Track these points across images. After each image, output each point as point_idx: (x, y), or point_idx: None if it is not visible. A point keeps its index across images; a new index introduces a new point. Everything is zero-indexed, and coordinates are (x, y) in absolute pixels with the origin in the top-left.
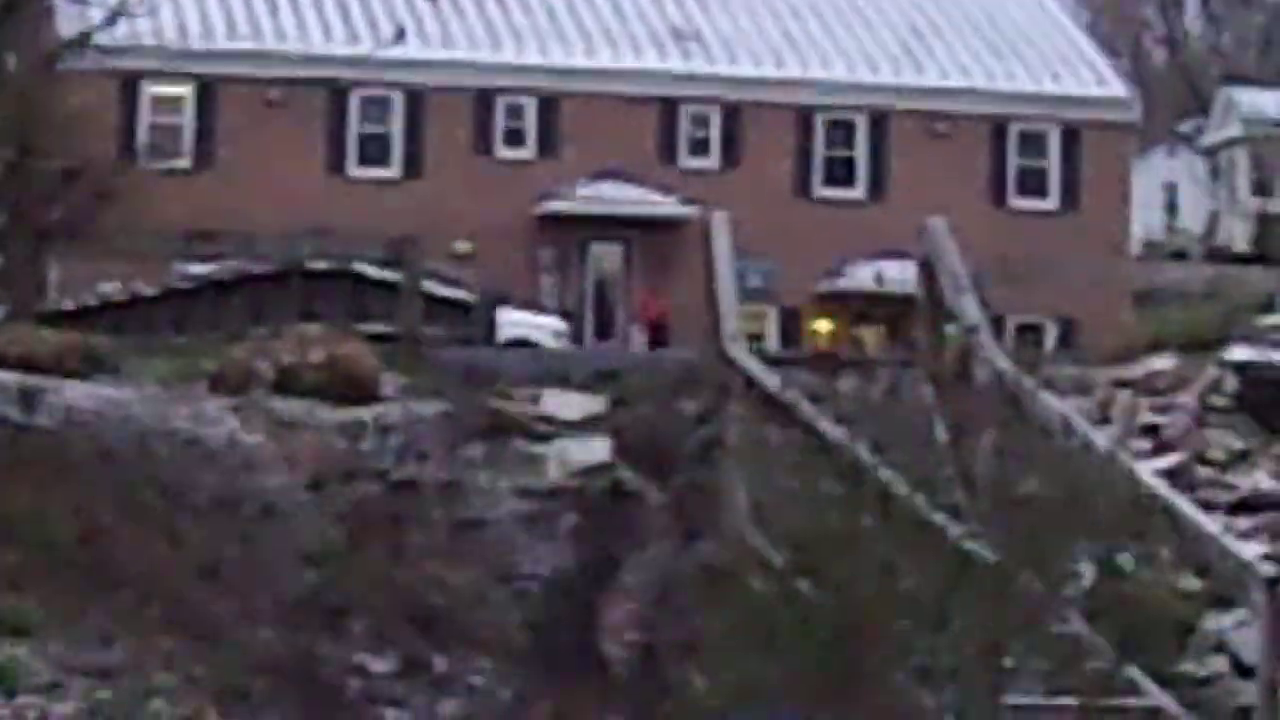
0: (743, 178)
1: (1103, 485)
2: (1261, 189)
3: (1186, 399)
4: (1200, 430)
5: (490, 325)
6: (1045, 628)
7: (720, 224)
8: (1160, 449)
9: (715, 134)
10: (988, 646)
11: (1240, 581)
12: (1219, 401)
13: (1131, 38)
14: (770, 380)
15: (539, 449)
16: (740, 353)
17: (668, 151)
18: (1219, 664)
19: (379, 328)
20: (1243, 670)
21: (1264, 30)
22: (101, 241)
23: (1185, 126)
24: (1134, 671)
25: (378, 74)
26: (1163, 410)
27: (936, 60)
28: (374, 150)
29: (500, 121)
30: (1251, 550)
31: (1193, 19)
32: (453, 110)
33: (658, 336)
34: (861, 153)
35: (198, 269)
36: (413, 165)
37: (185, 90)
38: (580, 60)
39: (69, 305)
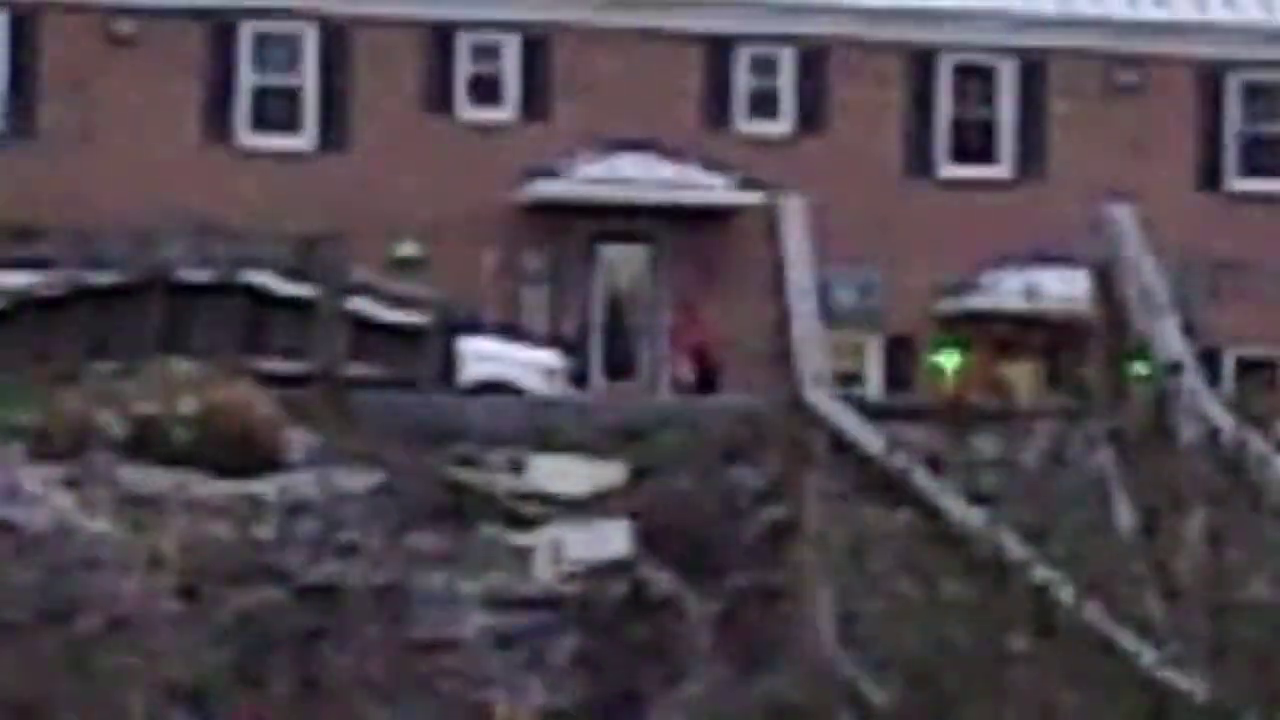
0: (829, 150)
1: None
2: None
3: None
4: None
5: (449, 361)
6: None
7: (795, 216)
8: None
9: (787, 85)
10: None
11: None
12: None
13: None
14: (871, 440)
15: (523, 539)
16: (825, 400)
17: (716, 111)
18: None
19: (284, 365)
20: None
21: None
22: None
23: None
24: None
25: None
26: None
27: None
28: (277, 109)
29: (464, 67)
30: None
31: None
32: (393, 51)
33: (701, 376)
34: (1007, 113)
35: (10, 279)
36: (334, 131)
37: None
38: None
39: None
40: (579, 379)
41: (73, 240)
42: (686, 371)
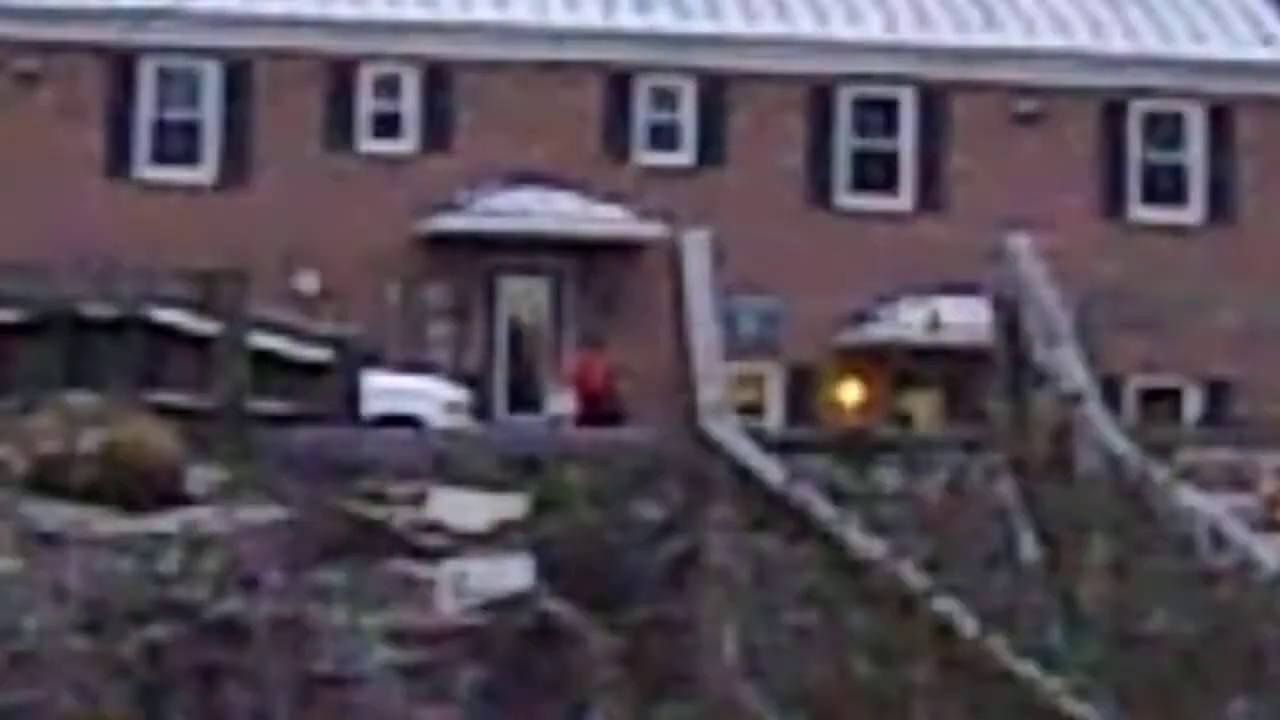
0: (730, 180)
1: (1268, 618)
2: None
3: None
4: None
5: (354, 395)
6: None
7: (697, 248)
8: None
9: (689, 117)
10: None
11: None
12: None
13: None
14: (772, 471)
15: (426, 572)
16: (727, 432)
17: (618, 143)
18: None
19: (184, 399)
20: None
21: None
22: None
23: None
24: None
25: (181, 34)
26: None
27: (1020, 10)
28: (177, 143)
29: (365, 102)
30: None
31: None
32: (295, 84)
33: (596, 411)
34: (908, 143)
35: None
36: (235, 164)
37: None
38: (485, 13)
39: None
40: (481, 412)
41: None
42: (565, 403)
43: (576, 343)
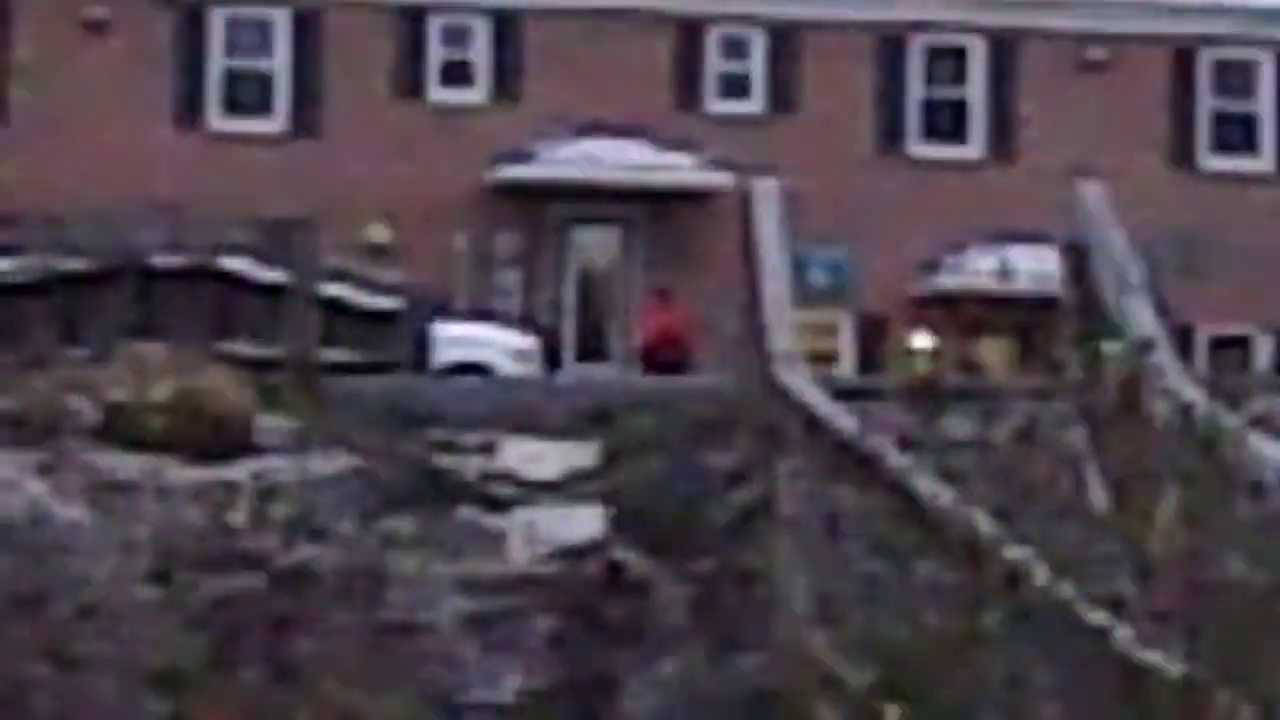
0: (800, 130)
1: None
2: None
3: None
4: None
5: (423, 344)
6: None
7: (767, 196)
8: None
9: (758, 67)
10: None
11: None
12: None
13: None
14: (844, 420)
15: (497, 522)
16: (798, 380)
17: (687, 92)
18: None
19: (256, 349)
20: None
21: None
22: None
23: None
24: None
25: None
26: None
27: None
28: (248, 93)
29: (435, 50)
30: None
31: None
32: (364, 34)
33: (663, 360)
34: (977, 91)
35: None
36: (305, 115)
37: None
38: None
39: None
40: (552, 361)
41: (43, 226)
42: (644, 356)
43: (644, 293)
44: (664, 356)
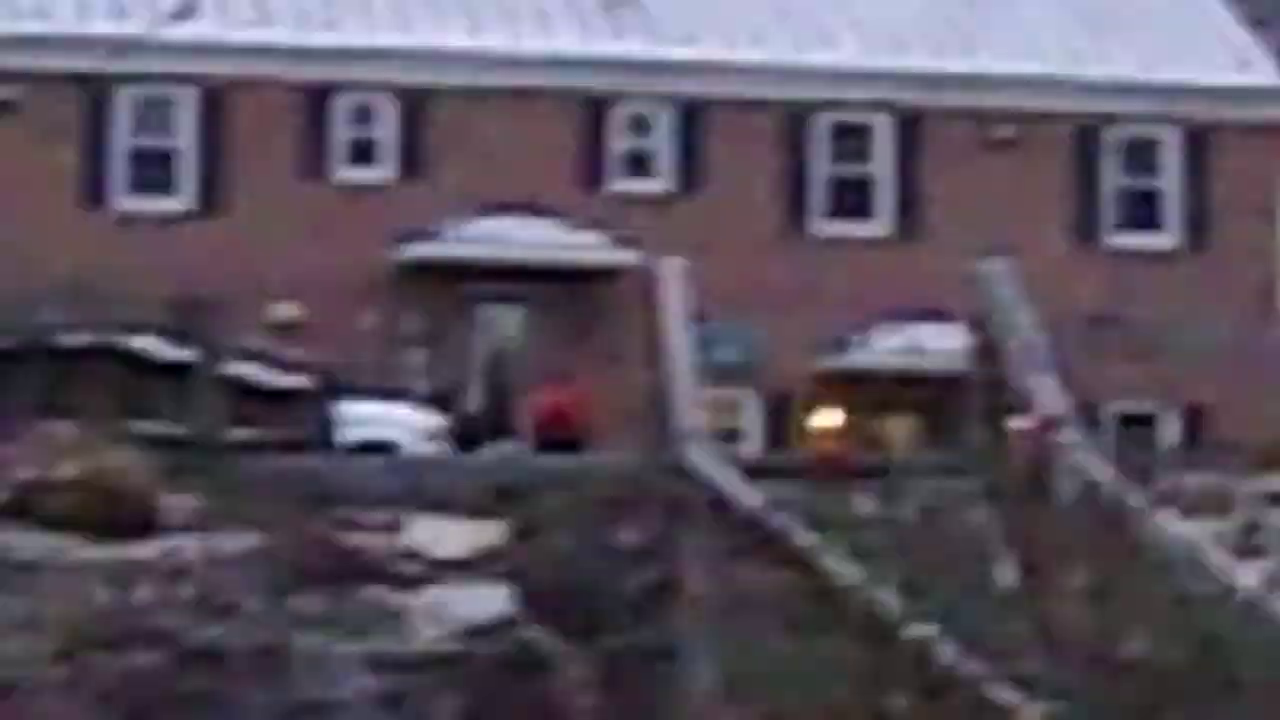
0: (706, 208)
1: (1246, 642)
2: None
3: None
4: None
5: (328, 423)
6: None
7: (672, 274)
8: None
9: (665, 145)
10: None
11: None
12: None
13: None
14: (750, 498)
15: (404, 600)
16: (704, 458)
17: (593, 171)
18: None
19: (162, 428)
20: None
21: None
22: None
23: None
24: None
25: (158, 63)
26: None
27: (992, 37)
28: (153, 173)
29: (341, 130)
30: None
31: None
32: (270, 113)
33: (553, 438)
34: (885, 169)
35: None
36: (211, 193)
37: None
38: (460, 39)
39: None
40: (461, 440)
41: None
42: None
43: (544, 374)
44: (554, 435)
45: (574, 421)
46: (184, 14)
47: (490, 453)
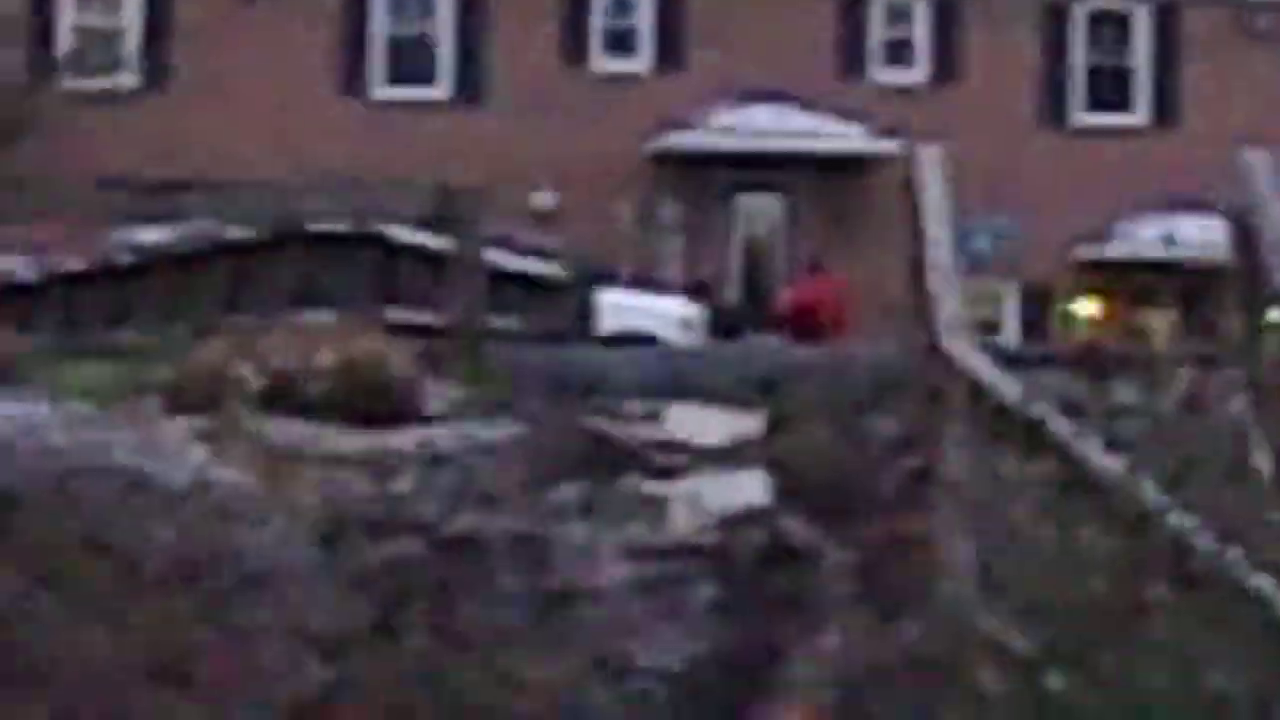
0: (964, 98)
1: None
2: None
3: None
4: None
5: (587, 312)
6: None
7: (931, 164)
8: None
9: (922, 34)
10: None
11: None
12: None
13: None
14: (1009, 388)
15: (662, 490)
16: (963, 348)
17: (851, 61)
18: None
19: (420, 317)
20: None
21: None
22: (4, 194)
23: None
24: None
25: None
26: None
27: None
28: (412, 61)
29: (599, 18)
30: None
31: None
32: (528, 3)
33: (801, 328)
34: (1141, 58)
35: (148, 234)
36: (469, 83)
37: None
38: None
39: None
40: (718, 330)
41: (206, 194)
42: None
43: (800, 266)
44: (808, 326)
45: (818, 313)
46: None
47: (748, 344)
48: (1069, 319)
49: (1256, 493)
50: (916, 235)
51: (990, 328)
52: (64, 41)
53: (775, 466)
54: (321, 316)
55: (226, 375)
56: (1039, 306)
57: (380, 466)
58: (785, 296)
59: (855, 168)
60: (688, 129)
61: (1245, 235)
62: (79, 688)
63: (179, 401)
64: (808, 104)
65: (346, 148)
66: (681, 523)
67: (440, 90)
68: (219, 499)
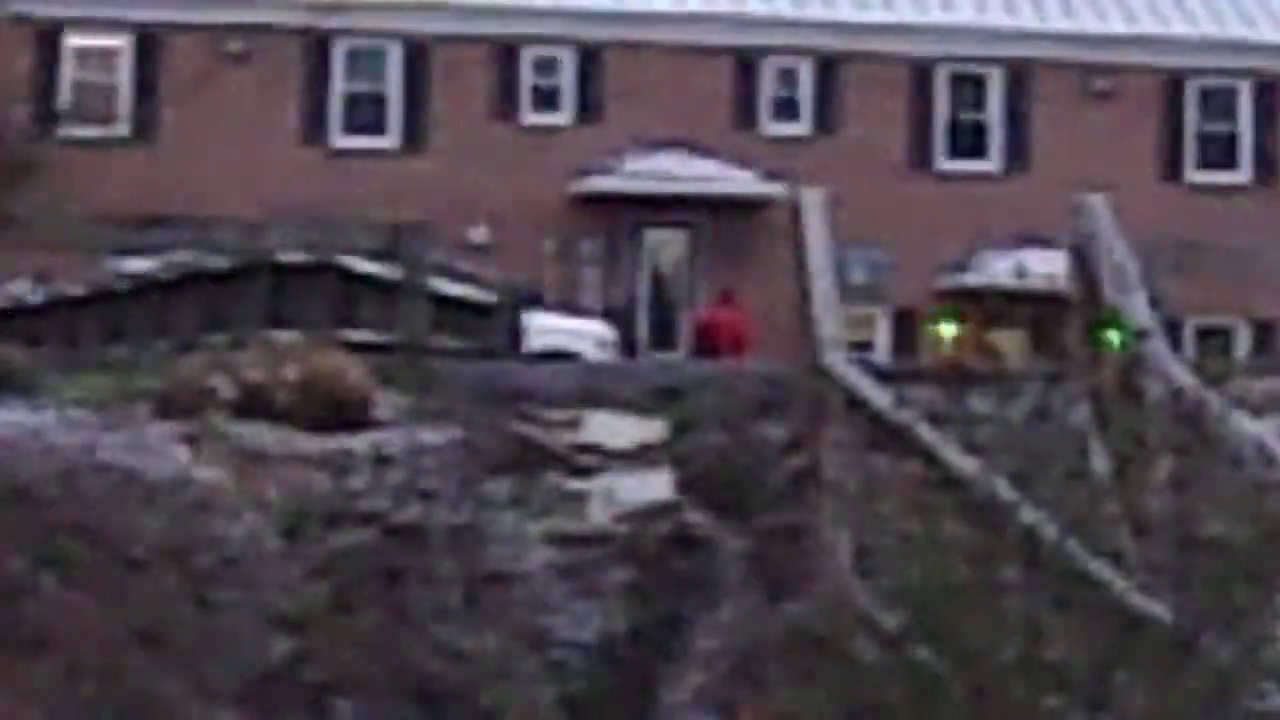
0: (842, 147)
1: None
2: None
3: None
4: None
5: (515, 332)
6: (1236, 704)
7: (814, 204)
8: None
9: (807, 93)
10: None
11: None
12: None
13: None
14: (880, 398)
15: (580, 485)
16: (841, 364)
17: (745, 115)
18: None
19: (372, 336)
20: None
21: None
22: (13, 229)
23: None
24: None
25: (370, 20)
26: None
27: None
28: (365, 115)
29: (527, 78)
30: None
31: None
32: (466, 65)
33: (709, 346)
34: (996, 115)
35: (137, 264)
36: (415, 134)
37: (120, 41)
38: (631, 1)
39: None
40: (627, 348)
41: (189, 229)
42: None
43: (708, 295)
44: (713, 345)
45: (724, 336)
46: None
47: (654, 359)
48: (933, 339)
49: (1095, 490)
50: (801, 266)
51: (864, 346)
52: (65, 95)
53: (679, 465)
54: (287, 336)
55: (205, 386)
56: (907, 328)
57: (337, 466)
58: (700, 317)
59: (748, 208)
60: (603, 174)
61: (1084, 267)
62: (77, 652)
63: (164, 408)
64: (706, 152)
65: (308, 189)
66: (597, 515)
67: (389, 140)
68: (198, 493)
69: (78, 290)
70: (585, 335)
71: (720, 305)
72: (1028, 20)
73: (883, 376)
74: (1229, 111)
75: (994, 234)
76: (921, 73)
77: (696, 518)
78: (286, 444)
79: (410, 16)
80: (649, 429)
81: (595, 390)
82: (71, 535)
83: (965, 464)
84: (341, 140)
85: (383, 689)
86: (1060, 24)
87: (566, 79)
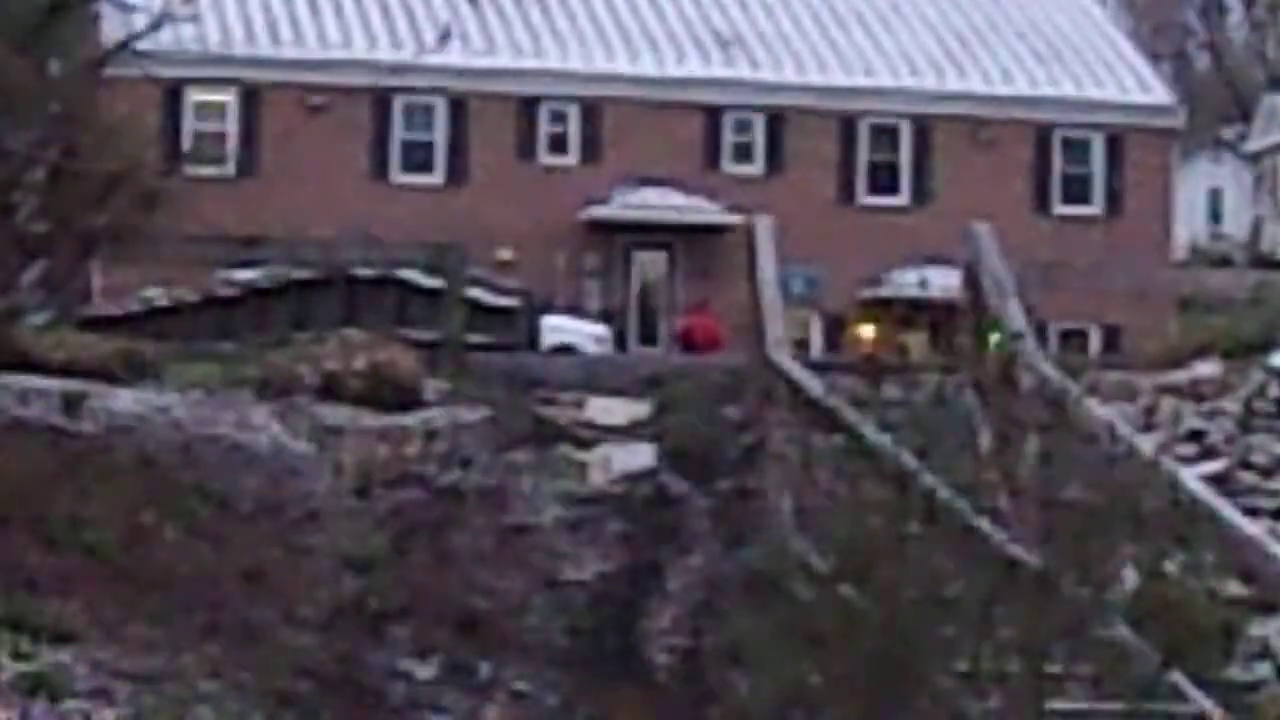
0: (786, 184)
1: (1147, 490)
2: None
3: (1230, 405)
4: (1244, 436)
5: (534, 331)
6: (1090, 633)
7: (764, 230)
8: (1204, 455)
9: (759, 140)
10: (1032, 652)
11: None
12: (1263, 407)
13: (1175, 44)
14: (814, 386)
15: (583, 455)
16: (784, 358)
17: (711, 158)
18: (1264, 670)
19: (422, 334)
20: None
21: None
22: (145, 247)
23: (1229, 133)
24: (1179, 677)
25: (421, 80)
26: (1207, 416)
27: (980, 66)
28: (417, 157)
29: (543, 128)
30: None
31: (1236, 25)
32: (496, 117)
33: (691, 344)
34: (905, 159)
35: (242, 275)
36: (456, 172)
37: (228, 96)
38: (623, 66)
39: (113, 311)
40: (620, 344)
41: (281, 248)
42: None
43: (685, 303)
44: (691, 342)
45: (699, 337)
46: (442, 40)
47: (641, 354)
48: (855, 339)
49: (980, 460)
50: (753, 279)
51: (802, 344)
52: (187, 140)
53: (660, 439)
54: (357, 334)
55: (293, 374)
56: (835, 330)
57: (395, 438)
58: (680, 322)
59: (715, 233)
60: (602, 205)
61: (973, 281)
62: (191, 589)
63: (262, 392)
64: (682, 188)
65: (373, 216)
66: (596, 478)
67: (436, 177)
68: (288, 460)
69: (194, 296)
70: (587, 334)
71: (695, 312)
72: (930, 83)
73: (816, 368)
74: (1085, 158)
75: (903, 255)
76: (848, 125)
77: (672, 481)
78: (356, 420)
79: (453, 78)
80: (636, 410)
81: (595, 378)
82: (188, 493)
83: (880, 439)
84: (399, 177)
85: (430, 618)
86: (955, 86)
87: (573, 128)
